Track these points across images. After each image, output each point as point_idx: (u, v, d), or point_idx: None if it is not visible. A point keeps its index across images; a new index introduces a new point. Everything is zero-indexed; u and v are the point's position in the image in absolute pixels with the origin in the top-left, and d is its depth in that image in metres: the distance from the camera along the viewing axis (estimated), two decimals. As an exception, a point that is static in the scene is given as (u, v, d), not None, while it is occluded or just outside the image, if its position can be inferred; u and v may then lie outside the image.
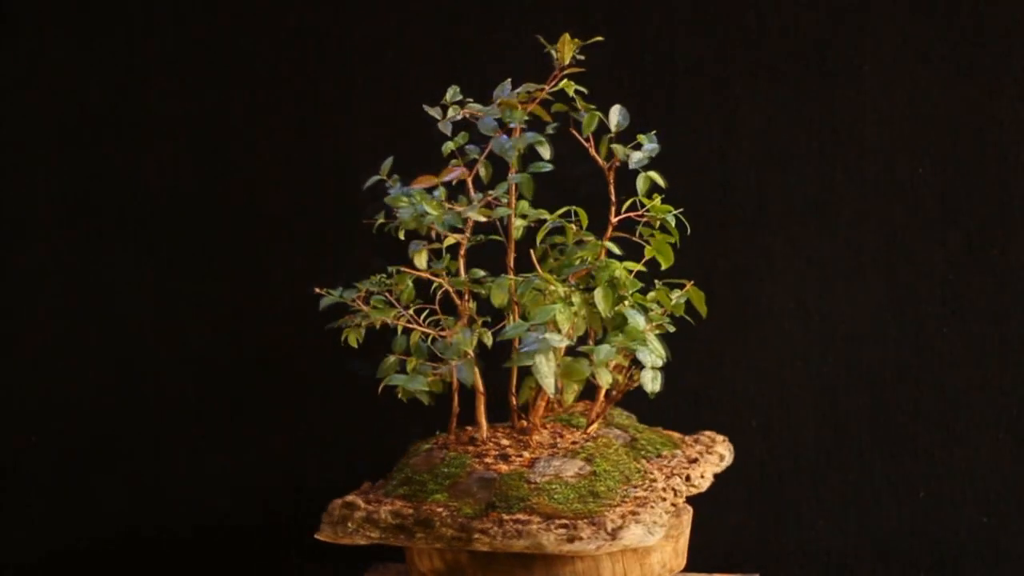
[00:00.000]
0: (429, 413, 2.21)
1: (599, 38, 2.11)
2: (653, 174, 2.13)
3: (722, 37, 2.61)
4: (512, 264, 2.10)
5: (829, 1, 2.59)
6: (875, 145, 2.61)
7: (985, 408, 2.63)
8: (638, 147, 2.12)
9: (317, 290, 2.12)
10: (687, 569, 2.20)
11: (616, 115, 2.10)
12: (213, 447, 2.68)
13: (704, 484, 2.06)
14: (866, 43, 2.59)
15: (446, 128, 2.10)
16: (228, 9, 2.64)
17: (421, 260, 2.09)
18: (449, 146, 2.11)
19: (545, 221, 2.13)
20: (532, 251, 2.10)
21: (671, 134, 2.62)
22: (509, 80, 2.11)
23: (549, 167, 2.09)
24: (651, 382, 1.97)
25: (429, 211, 2.04)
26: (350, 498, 2.03)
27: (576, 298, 2.00)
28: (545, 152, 2.08)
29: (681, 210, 2.14)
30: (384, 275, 2.11)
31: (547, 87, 2.07)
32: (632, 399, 2.23)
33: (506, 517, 1.91)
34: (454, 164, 2.09)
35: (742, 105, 2.61)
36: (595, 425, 2.11)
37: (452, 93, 2.11)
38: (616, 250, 2.12)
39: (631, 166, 2.10)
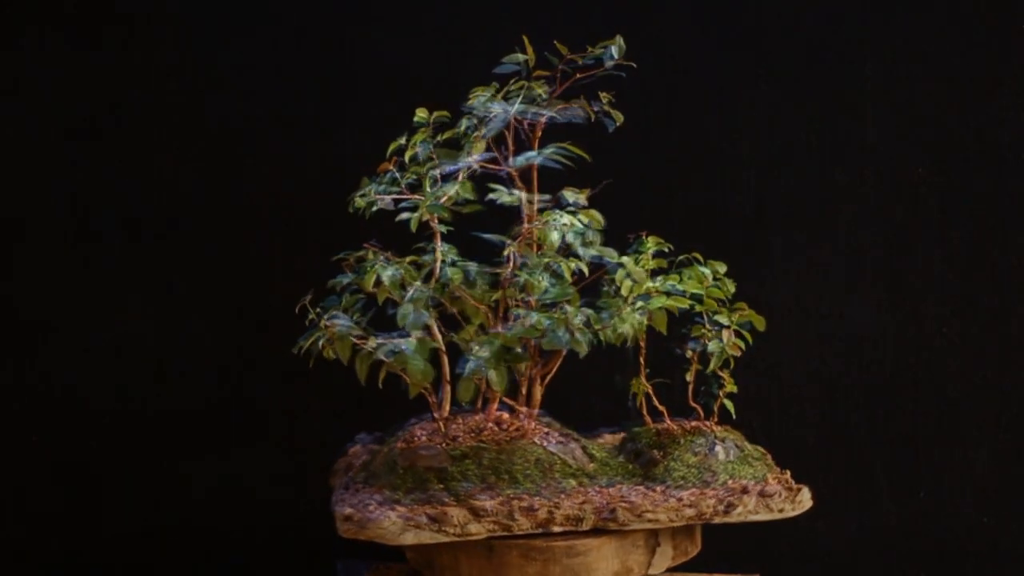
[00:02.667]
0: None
1: (622, 40, 2.13)
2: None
3: (722, 37, 2.61)
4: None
5: (829, 1, 2.59)
6: (875, 145, 2.61)
7: (985, 408, 2.63)
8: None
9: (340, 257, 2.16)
10: (689, 569, 2.20)
11: (496, 115, 2.09)
12: (217, 446, 2.67)
13: (635, 526, 1.98)
14: (866, 43, 2.59)
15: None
16: (230, 9, 2.63)
17: None
18: (398, 142, 2.14)
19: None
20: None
21: (671, 134, 2.62)
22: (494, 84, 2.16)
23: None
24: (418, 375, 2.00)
25: (369, 195, 2.12)
26: (353, 443, 2.19)
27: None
28: (421, 154, 2.11)
29: (604, 225, 2.14)
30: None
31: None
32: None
33: (356, 488, 2.03)
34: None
35: (742, 105, 2.61)
36: (516, 429, 2.11)
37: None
38: (452, 254, 2.11)
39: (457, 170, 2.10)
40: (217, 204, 2.64)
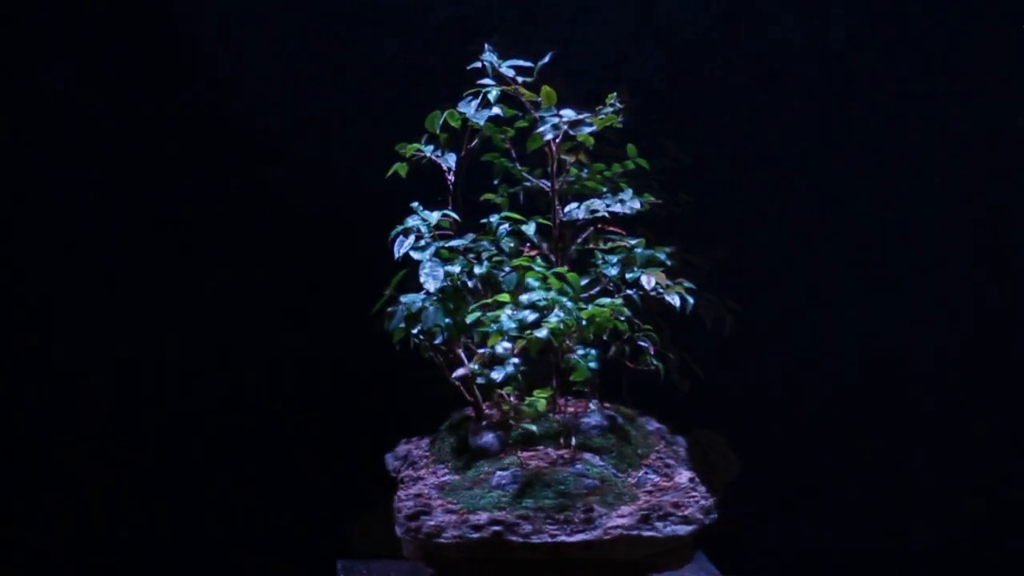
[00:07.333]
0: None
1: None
2: None
3: (723, 38, 2.62)
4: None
5: (832, 4, 2.60)
6: (877, 146, 2.62)
7: (984, 409, 2.64)
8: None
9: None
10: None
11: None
12: (217, 443, 2.67)
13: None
14: (868, 44, 2.60)
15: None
16: (239, 11, 2.62)
17: None
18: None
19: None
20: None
21: (671, 134, 2.63)
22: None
23: None
24: None
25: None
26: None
27: None
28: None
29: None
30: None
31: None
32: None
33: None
34: None
35: (743, 106, 2.62)
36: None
37: None
38: None
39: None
40: (225, 204, 2.62)
